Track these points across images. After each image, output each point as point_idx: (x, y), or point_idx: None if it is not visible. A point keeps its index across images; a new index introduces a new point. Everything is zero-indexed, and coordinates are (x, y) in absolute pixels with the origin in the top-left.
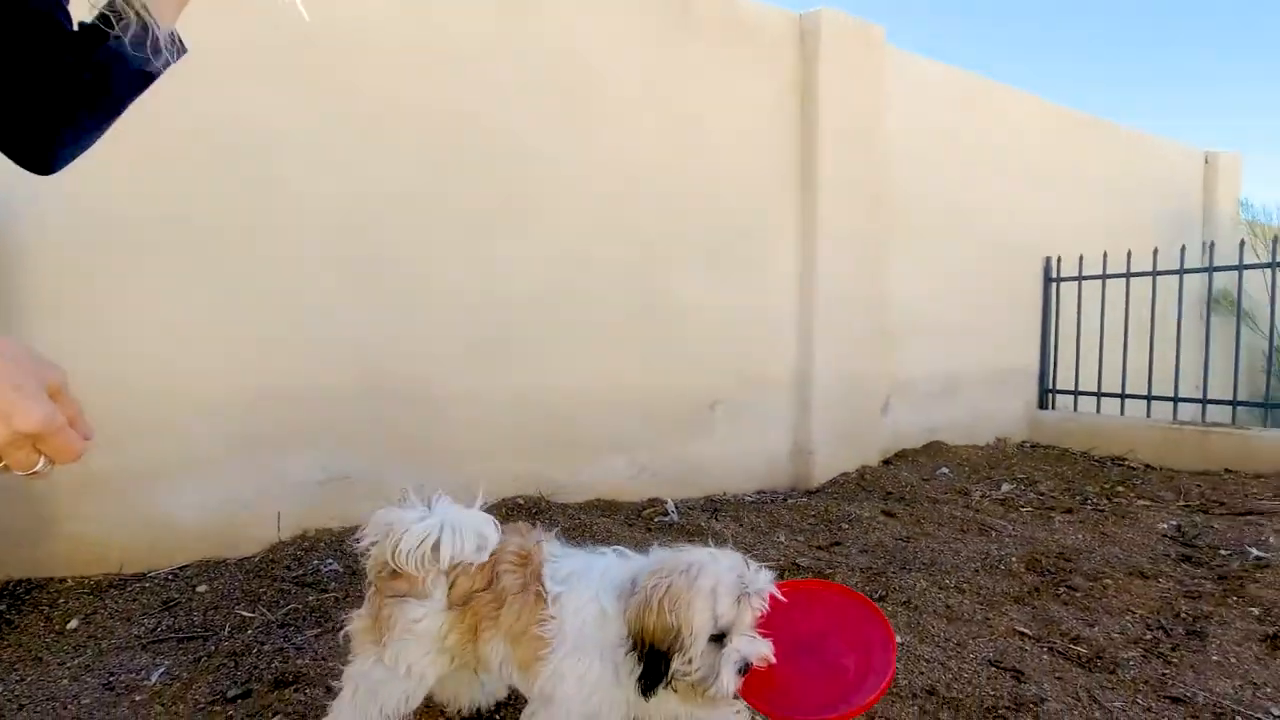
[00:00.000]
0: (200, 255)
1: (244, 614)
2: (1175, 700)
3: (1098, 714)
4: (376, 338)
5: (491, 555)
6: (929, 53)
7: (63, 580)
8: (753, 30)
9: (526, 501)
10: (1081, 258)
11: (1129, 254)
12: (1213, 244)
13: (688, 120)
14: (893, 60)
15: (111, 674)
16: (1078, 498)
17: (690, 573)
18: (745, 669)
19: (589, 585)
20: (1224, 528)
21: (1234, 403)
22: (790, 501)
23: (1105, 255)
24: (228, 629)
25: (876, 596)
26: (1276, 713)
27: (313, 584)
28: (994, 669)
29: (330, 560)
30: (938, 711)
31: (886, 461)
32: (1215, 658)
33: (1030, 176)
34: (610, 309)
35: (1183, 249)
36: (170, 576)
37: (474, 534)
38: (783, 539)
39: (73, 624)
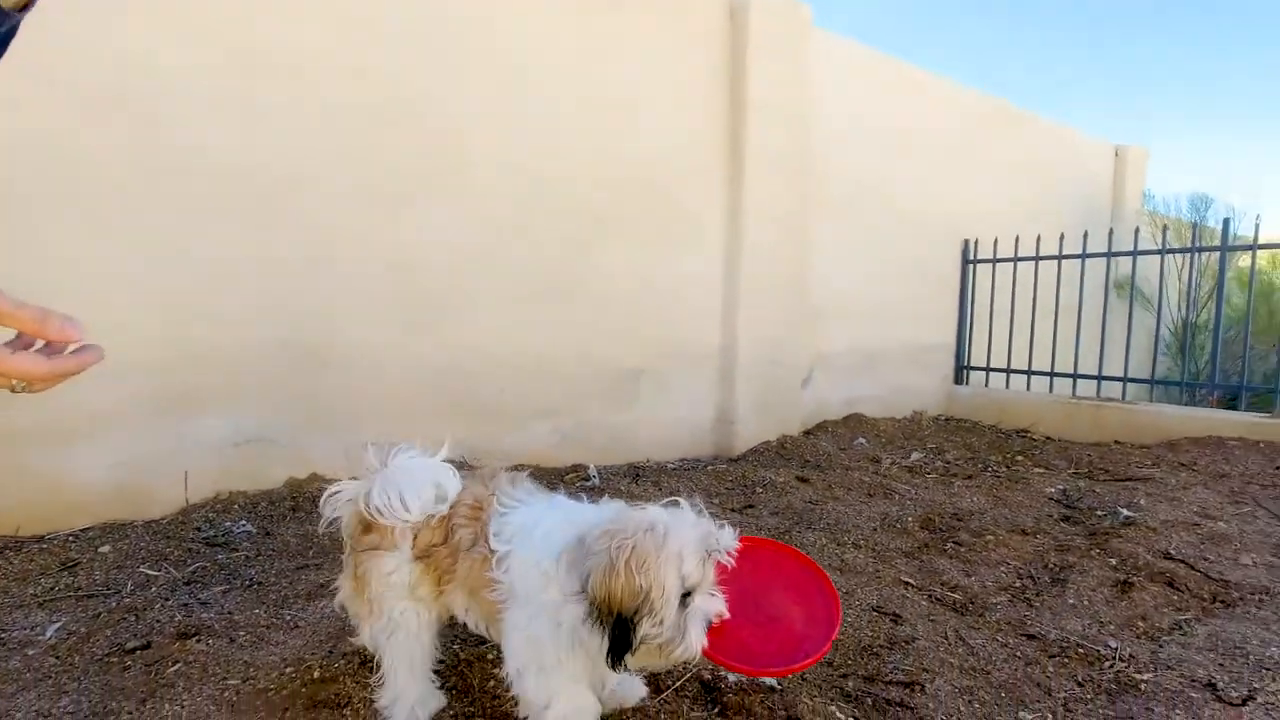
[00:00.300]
0: (104, 208)
1: (148, 572)
2: (1030, 637)
3: (961, 650)
4: (291, 299)
5: (451, 507)
6: (857, 36)
7: None
8: (683, 7)
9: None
10: (996, 241)
11: (1038, 239)
12: (1111, 231)
13: (618, 95)
14: (820, 42)
15: (3, 630)
16: (980, 465)
17: (656, 532)
18: (707, 625)
19: (531, 546)
20: (1103, 491)
21: (1124, 379)
22: (711, 468)
23: (1017, 240)
24: (130, 586)
25: None
26: (1114, 644)
27: (224, 544)
28: (876, 614)
29: (244, 522)
30: None
31: (807, 432)
32: (1071, 601)
33: (950, 161)
34: (538, 278)
35: (1085, 235)
36: (71, 538)
37: (430, 484)
38: (699, 502)
39: None
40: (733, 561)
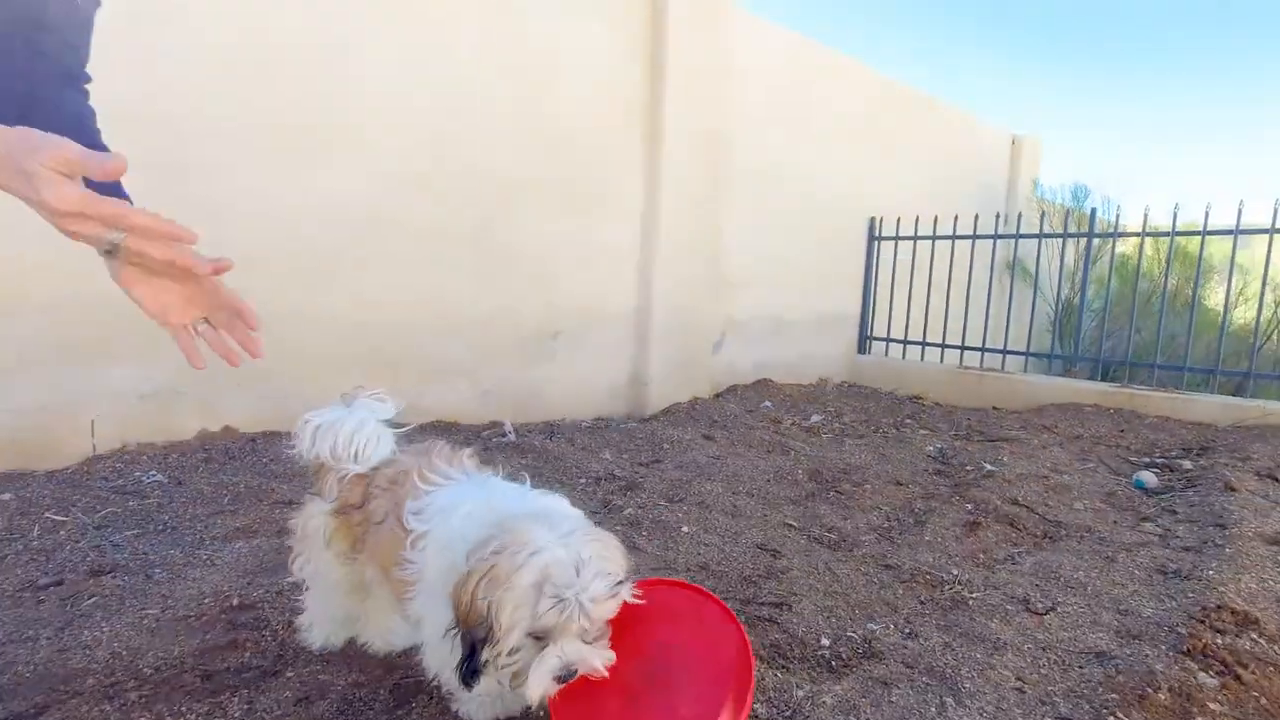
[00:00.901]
0: None
1: (56, 518)
2: (888, 567)
3: (828, 578)
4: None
5: (373, 470)
6: (774, 17)
7: None
8: None
9: None
10: (899, 220)
11: (936, 219)
12: (999, 214)
13: (540, 58)
14: (739, 20)
15: None
16: (872, 428)
17: (517, 558)
18: (566, 677)
19: (448, 530)
20: (974, 450)
21: (1004, 351)
22: (624, 427)
23: (918, 219)
24: (37, 531)
25: (676, 499)
26: (955, 572)
27: (133, 493)
28: (758, 550)
29: (154, 472)
30: (705, 580)
31: (718, 395)
32: (928, 538)
33: (859, 140)
34: (452, 235)
35: (976, 218)
36: None
37: (348, 436)
38: (608, 456)
39: None
40: (593, 619)
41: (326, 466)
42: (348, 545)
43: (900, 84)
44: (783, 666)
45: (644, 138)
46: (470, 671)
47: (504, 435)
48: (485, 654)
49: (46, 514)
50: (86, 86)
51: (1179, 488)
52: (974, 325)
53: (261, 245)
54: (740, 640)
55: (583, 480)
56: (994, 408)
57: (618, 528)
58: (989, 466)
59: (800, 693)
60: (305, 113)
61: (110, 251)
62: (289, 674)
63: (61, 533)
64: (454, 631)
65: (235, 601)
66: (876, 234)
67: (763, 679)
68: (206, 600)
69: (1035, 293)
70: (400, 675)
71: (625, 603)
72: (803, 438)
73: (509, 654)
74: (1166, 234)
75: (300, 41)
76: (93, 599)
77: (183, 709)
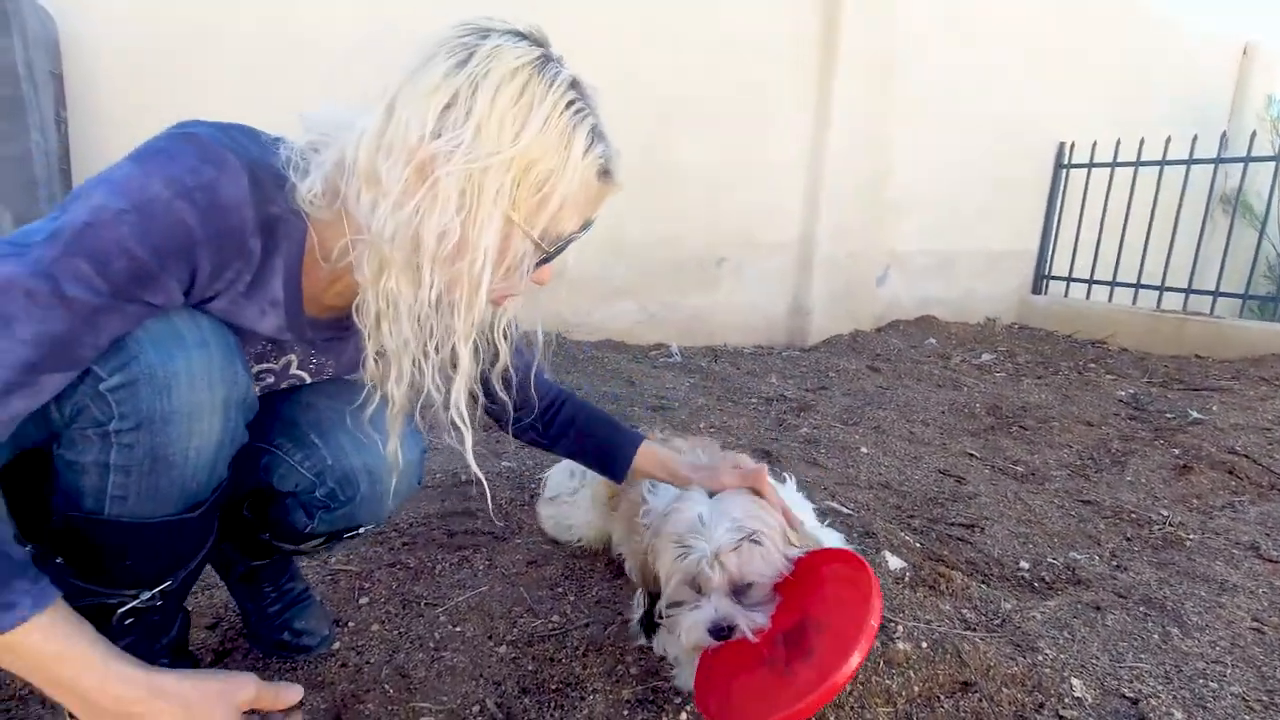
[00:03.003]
0: None
1: None
2: (1086, 502)
3: (1019, 506)
4: None
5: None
6: None
7: None
8: None
9: (545, 335)
10: (1095, 144)
11: (1140, 143)
12: (1224, 135)
13: None
14: None
15: None
16: (1051, 370)
17: (667, 518)
18: (721, 633)
19: (659, 504)
20: (1176, 397)
21: (1215, 293)
22: (785, 354)
23: (1118, 143)
24: None
25: (851, 422)
26: (1165, 513)
27: None
28: (941, 475)
29: None
30: (888, 498)
31: (879, 330)
32: (1129, 479)
33: (1044, 58)
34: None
35: (1194, 139)
36: None
37: None
38: (775, 380)
39: None
40: (731, 569)
41: None
42: (610, 496)
43: None
44: (983, 581)
45: (816, 57)
46: (649, 624)
47: (670, 357)
48: (660, 605)
49: None
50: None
51: None
52: (1177, 265)
53: None
54: (865, 592)
55: (754, 400)
56: (1196, 356)
57: (794, 445)
58: (1195, 414)
59: (1008, 605)
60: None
61: None
62: (517, 540)
63: None
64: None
65: (463, 477)
66: (1066, 161)
67: (967, 588)
68: (438, 475)
69: (1263, 228)
70: (619, 555)
71: (791, 574)
72: (975, 374)
73: (670, 606)
74: None
75: None
76: None
77: (438, 556)
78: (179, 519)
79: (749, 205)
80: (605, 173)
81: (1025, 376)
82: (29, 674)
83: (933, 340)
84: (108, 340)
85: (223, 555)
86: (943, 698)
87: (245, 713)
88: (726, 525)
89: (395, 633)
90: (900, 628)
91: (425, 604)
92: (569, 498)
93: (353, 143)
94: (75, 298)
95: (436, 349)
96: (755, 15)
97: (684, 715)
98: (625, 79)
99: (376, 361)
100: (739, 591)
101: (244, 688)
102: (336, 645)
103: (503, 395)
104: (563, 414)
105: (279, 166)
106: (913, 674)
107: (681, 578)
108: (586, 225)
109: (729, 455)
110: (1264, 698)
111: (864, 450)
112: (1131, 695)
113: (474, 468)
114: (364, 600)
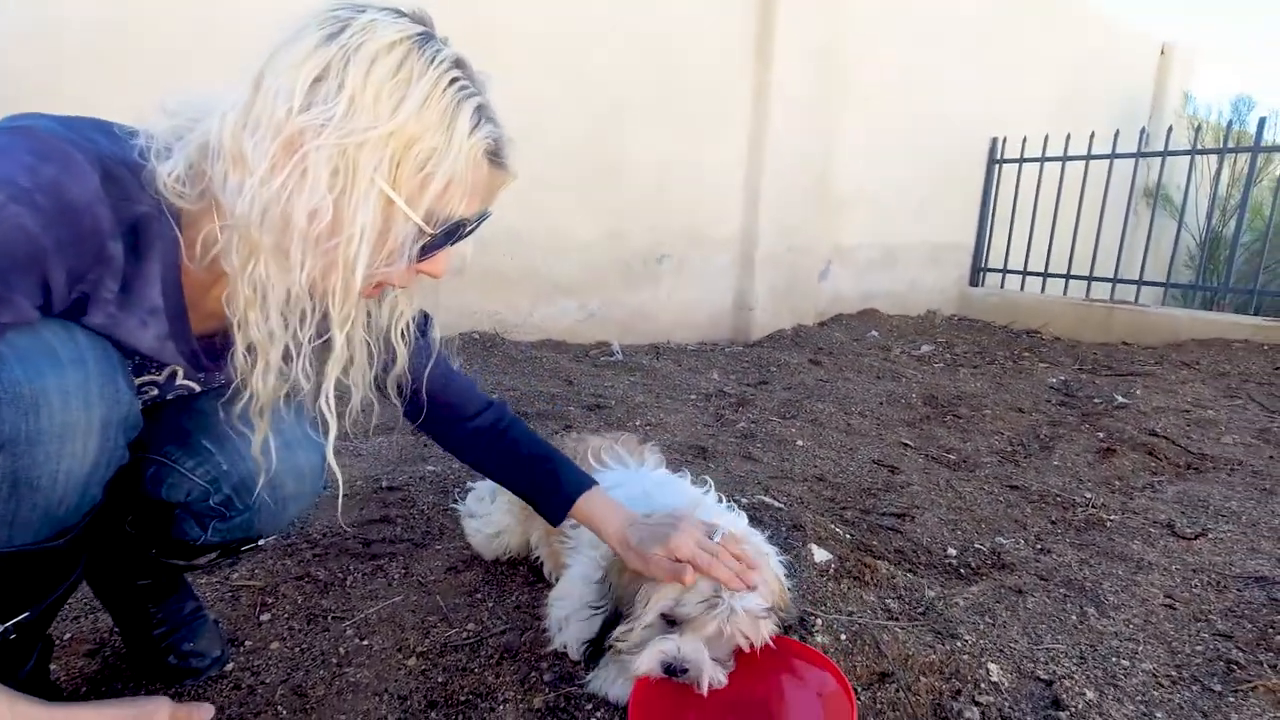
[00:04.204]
0: None
1: None
2: (1014, 488)
3: (950, 494)
4: None
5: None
6: None
7: None
8: None
9: (482, 337)
10: (1025, 140)
11: (1067, 138)
12: (1143, 130)
13: None
14: None
15: None
16: (987, 359)
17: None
18: (674, 670)
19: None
20: (1103, 383)
21: (1139, 282)
22: (729, 350)
23: (1046, 139)
24: None
25: (788, 416)
26: (1089, 495)
27: None
28: (875, 465)
29: None
30: (822, 490)
31: (822, 324)
32: (1055, 463)
33: (981, 53)
34: (559, 153)
35: (1116, 134)
36: None
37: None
38: (716, 375)
39: None
40: (741, 635)
41: None
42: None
43: None
44: (909, 569)
45: (754, 50)
46: (596, 645)
47: (611, 355)
48: (617, 630)
49: None
50: None
51: None
52: (1104, 257)
53: None
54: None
55: (693, 396)
56: (1123, 343)
57: (731, 440)
58: (1120, 399)
59: (931, 593)
60: None
61: None
62: (437, 547)
63: None
64: (599, 606)
65: (384, 484)
66: (998, 156)
67: (892, 577)
68: (358, 483)
69: (1181, 219)
70: (537, 559)
71: (751, 650)
72: (914, 365)
73: (642, 629)
74: None
75: None
76: None
77: (350, 567)
78: (40, 547)
79: (691, 202)
80: (494, 154)
81: (962, 366)
82: None
83: (875, 333)
84: None
85: (101, 575)
86: (859, 690)
87: None
88: (759, 595)
89: (296, 650)
90: (819, 620)
91: (332, 618)
92: (489, 505)
93: (216, 122)
94: None
95: (310, 339)
96: (693, 9)
97: (596, 718)
98: (572, 77)
99: (246, 355)
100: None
101: (157, 713)
102: (230, 666)
103: (395, 401)
104: (494, 435)
105: (136, 159)
106: None
107: (672, 609)
108: (483, 216)
109: (681, 515)
110: (1173, 673)
111: (800, 443)
112: (1046, 677)
113: (332, 463)
114: (265, 617)
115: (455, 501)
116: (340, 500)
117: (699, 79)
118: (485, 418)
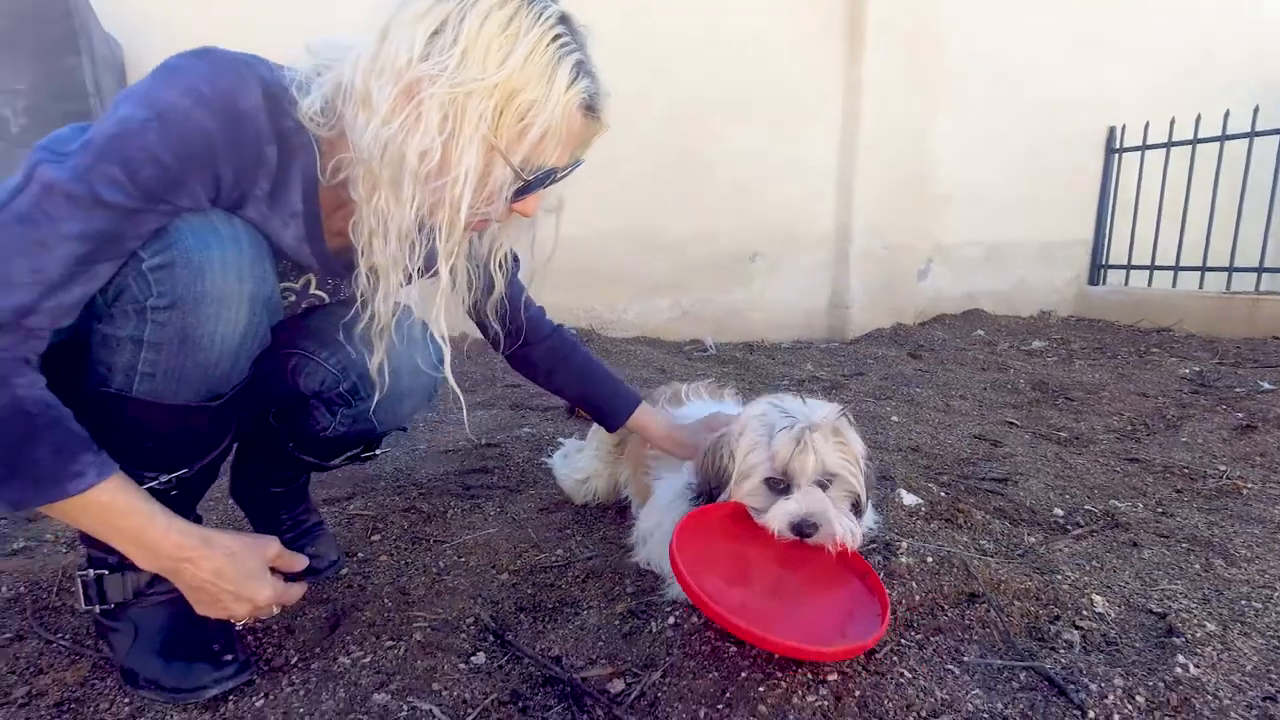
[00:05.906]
0: None
1: None
2: (1133, 460)
3: (1058, 465)
4: None
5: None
6: None
7: None
8: None
9: (577, 331)
10: (1147, 125)
11: (1198, 118)
12: None
13: None
14: None
15: None
16: (1108, 355)
17: (748, 417)
18: (803, 530)
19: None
20: (1246, 373)
21: None
22: (824, 346)
23: (1172, 121)
24: None
25: (884, 397)
26: (1222, 469)
27: None
28: (976, 440)
29: None
30: (916, 459)
31: (923, 323)
32: (1184, 439)
33: (1093, 30)
34: (648, 157)
35: (1255, 110)
36: None
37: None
38: (809, 367)
39: None
40: (827, 456)
41: None
42: (615, 442)
43: None
44: (1010, 522)
45: (845, 43)
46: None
47: (705, 350)
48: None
49: None
50: None
51: None
52: (1245, 246)
53: None
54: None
55: (785, 382)
56: (1274, 338)
57: None
58: (1266, 384)
59: (1032, 539)
60: None
61: None
62: (530, 492)
63: None
64: (693, 492)
65: (484, 441)
66: (1117, 145)
67: (988, 523)
68: (461, 442)
69: None
70: (625, 499)
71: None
72: (1023, 358)
73: (749, 497)
74: None
75: None
76: None
77: (451, 504)
78: (199, 406)
79: (782, 199)
80: (589, 108)
81: (1079, 359)
82: (94, 527)
83: (980, 331)
84: (149, 231)
85: (247, 481)
86: (946, 607)
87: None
88: (825, 410)
89: (401, 562)
90: (905, 544)
91: (434, 540)
92: (578, 453)
93: (349, 65)
94: (111, 201)
95: (419, 270)
96: (781, 6)
97: (671, 619)
98: (661, 80)
99: (369, 278)
100: (823, 485)
101: (271, 544)
102: (344, 571)
103: (495, 326)
104: (564, 353)
105: (289, 86)
106: (915, 584)
107: (767, 468)
108: (575, 163)
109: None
110: None
111: (895, 419)
112: (1159, 610)
113: (451, 382)
114: (375, 538)
115: (547, 457)
116: (466, 413)
117: (786, 73)
118: (554, 339)
